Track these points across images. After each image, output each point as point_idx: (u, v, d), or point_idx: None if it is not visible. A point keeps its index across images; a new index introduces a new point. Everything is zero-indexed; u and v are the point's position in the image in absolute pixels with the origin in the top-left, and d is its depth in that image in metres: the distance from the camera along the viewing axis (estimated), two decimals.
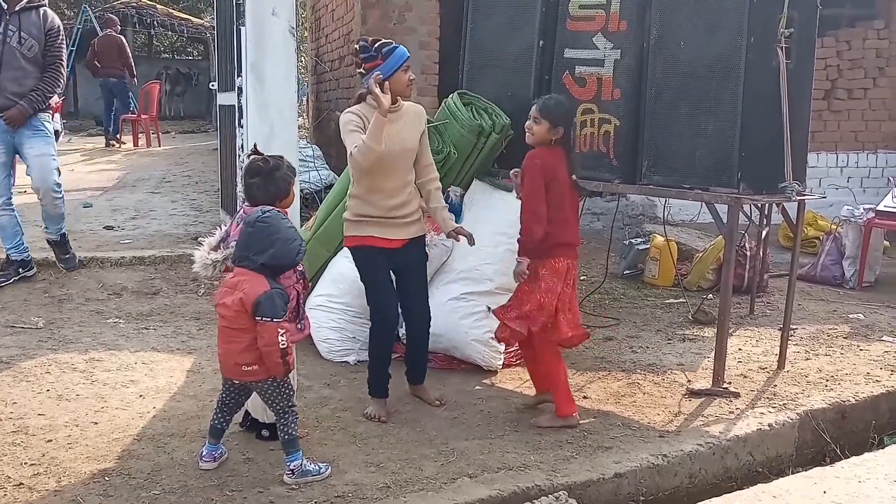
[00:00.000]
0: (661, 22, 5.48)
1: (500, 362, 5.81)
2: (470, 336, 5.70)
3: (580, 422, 4.90)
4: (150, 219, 9.79)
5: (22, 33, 6.77)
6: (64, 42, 7.11)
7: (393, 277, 5.04)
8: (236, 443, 4.44)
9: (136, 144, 17.14)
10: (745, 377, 5.78)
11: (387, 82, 4.68)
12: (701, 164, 5.35)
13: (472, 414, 5.04)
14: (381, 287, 4.95)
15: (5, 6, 6.77)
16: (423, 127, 5.03)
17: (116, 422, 4.74)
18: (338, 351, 5.82)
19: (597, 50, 5.76)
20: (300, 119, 13.12)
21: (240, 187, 5.00)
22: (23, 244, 7.10)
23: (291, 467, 4.06)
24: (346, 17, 10.71)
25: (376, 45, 4.74)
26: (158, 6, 22.91)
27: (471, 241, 5.08)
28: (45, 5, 7.01)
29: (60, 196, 7.10)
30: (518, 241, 4.93)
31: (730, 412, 5.15)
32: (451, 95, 6.26)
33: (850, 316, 7.44)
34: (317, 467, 4.12)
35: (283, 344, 3.95)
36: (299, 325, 4.23)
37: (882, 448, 5.19)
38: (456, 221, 5.97)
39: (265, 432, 4.52)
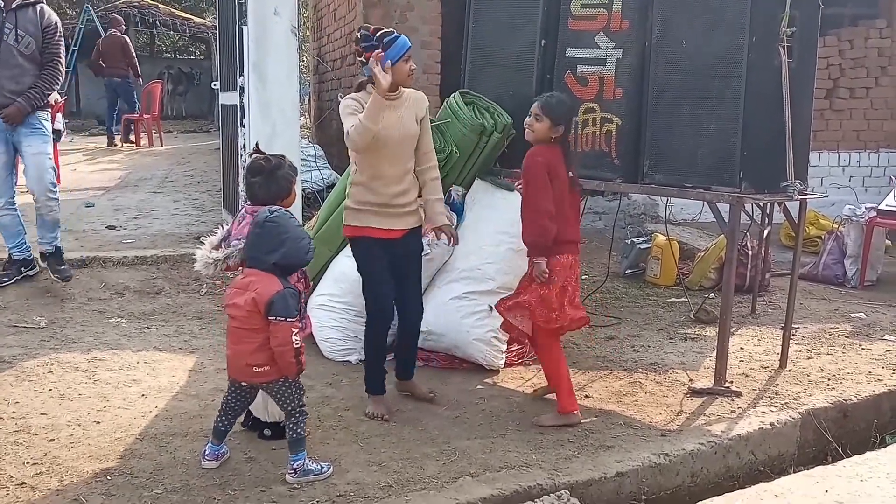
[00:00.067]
0: (662, 21, 5.48)
1: (502, 361, 5.81)
2: (472, 335, 5.70)
3: (582, 420, 4.91)
4: (152, 218, 9.79)
5: (19, 31, 6.71)
6: (62, 39, 7.05)
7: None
8: (238, 442, 4.45)
9: (138, 144, 17.14)
10: (746, 376, 5.78)
11: (388, 62, 4.67)
12: (703, 164, 5.35)
13: (473, 413, 5.04)
14: (378, 278, 4.95)
15: (2, 4, 6.72)
16: (423, 112, 5.03)
17: (119, 421, 4.74)
18: (339, 350, 5.83)
19: (599, 49, 5.76)
20: (302, 119, 13.13)
21: (242, 187, 5.00)
22: (25, 244, 7.09)
23: (294, 466, 4.06)
24: (347, 17, 10.72)
25: (377, 35, 4.74)
26: (160, 6, 22.92)
27: (451, 243, 5.12)
28: (43, 2, 6.96)
29: (56, 198, 7.02)
30: (526, 242, 4.93)
31: (731, 411, 5.15)
32: (452, 95, 6.25)
33: (852, 315, 7.44)
34: (319, 466, 4.12)
35: (297, 343, 3.96)
36: (300, 325, 4.23)
37: (884, 447, 5.20)
38: (458, 221, 6.00)
39: (267, 431, 4.52)
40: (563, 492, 4.08)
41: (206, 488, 3.98)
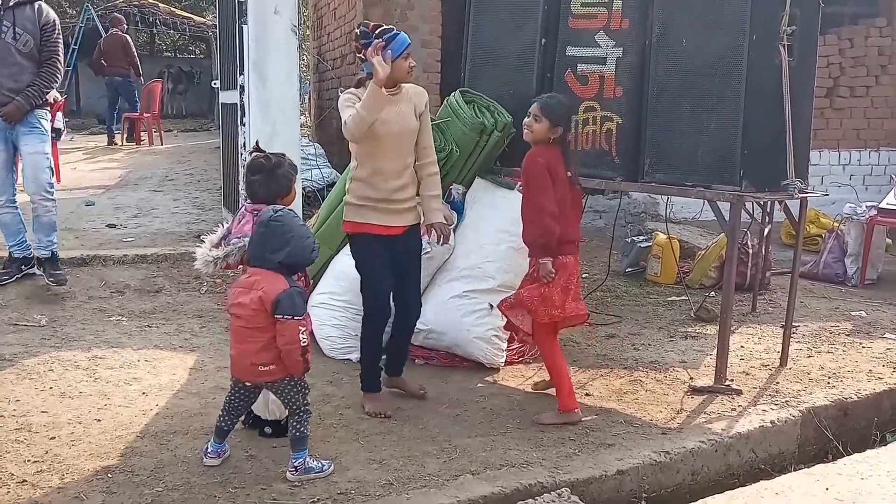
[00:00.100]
0: (663, 20, 5.48)
1: (503, 360, 5.81)
2: (472, 334, 5.70)
3: (582, 419, 4.91)
4: (152, 217, 9.79)
5: (17, 28, 6.67)
6: (60, 37, 7.01)
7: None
8: (239, 440, 4.45)
9: (138, 143, 17.15)
10: (747, 374, 5.78)
11: (389, 52, 4.66)
12: (703, 162, 5.35)
13: (474, 411, 5.04)
14: (377, 275, 4.95)
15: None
16: (423, 107, 5.03)
17: (119, 419, 4.74)
18: (340, 349, 5.83)
19: (599, 48, 5.76)
20: (302, 117, 13.13)
21: (242, 185, 5.00)
22: (25, 242, 7.08)
23: (295, 464, 4.06)
24: (347, 16, 10.71)
25: (377, 32, 4.74)
26: (161, 4, 22.89)
27: (440, 242, 5.13)
28: (41, 0, 6.92)
29: (52, 199, 6.96)
30: (528, 242, 4.94)
31: (732, 409, 5.15)
32: (453, 93, 6.25)
33: (853, 313, 7.44)
34: (319, 464, 4.12)
35: (304, 342, 3.96)
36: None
37: (884, 445, 5.21)
38: (459, 219, 6.01)
39: (268, 429, 4.52)
40: (563, 490, 4.07)
41: (207, 486, 3.98)
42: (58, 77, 6.97)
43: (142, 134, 17.20)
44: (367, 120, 4.60)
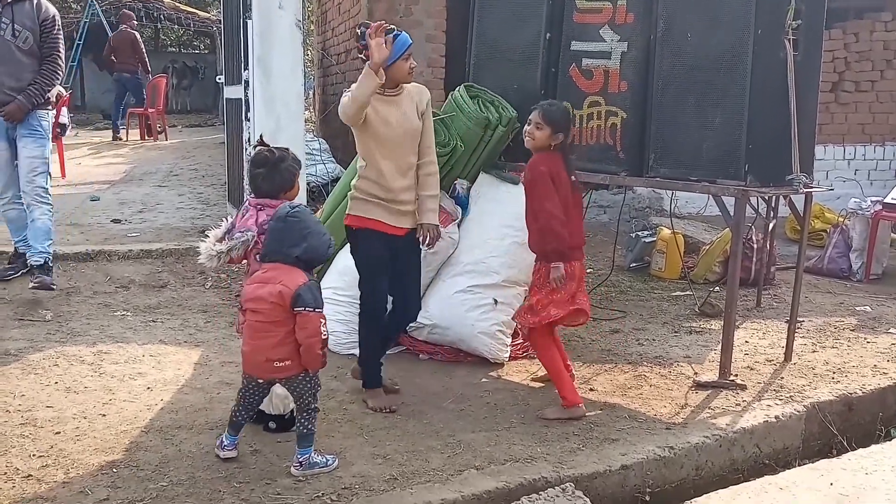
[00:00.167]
0: (667, 14, 5.46)
1: (507, 355, 5.82)
2: (476, 329, 5.71)
3: (586, 413, 4.91)
4: (157, 212, 9.81)
5: (15, 25, 6.59)
6: (61, 32, 6.90)
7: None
8: (243, 434, 4.42)
9: (142, 138, 17.18)
10: (751, 369, 5.78)
11: (389, 38, 4.63)
12: (708, 157, 5.33)
13: (478, 406, 5.05)
14: (378, 271, 4.96)
15: None
16: (424, 106, 5.02)
17: (124, 414, 4.75)
18: (344, 343, 5.82)
19: (604, 42, 5.75)
20: (306, 112, 13.13)
21: (247, 180, 5.01)
22: None
23: (300, 460, 4.07)
24: (352, 11, 10.70)
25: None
26: (165, 0, 22.89)
27: (427, 244, 5.10)
28: None
29: (47, 203, 6.82)
30: (538, 250, 4.96)
31: (736, 404, 5.15)
32: (457, 88, 6.25)
33: (857, 308, 7.44)
34: (324, 459, 4.13)
35: (325, 334, 3.98)
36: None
37: (889, 440, 5.23)
38: (463, 214, 6.01)
39: (272, 424, 4.53)
40: (567, 485, 4.08)
41: (212, 480, 3.99)
42: (59, 74, 6.90)
43: (149, 128, 17.21)
44: (358, 99, 4.59)
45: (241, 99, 7.46)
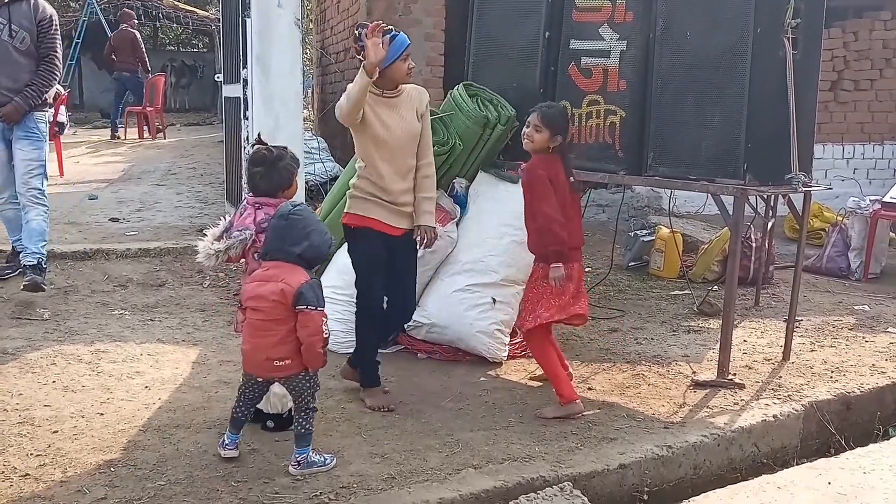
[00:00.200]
0: (667, 13, 5.45)
1: (505, 354, 5.82)
2: (475, 328, 5.71)
3: (584, 412, 4.91)
4: (155, 211, 9.82)
5: (12, 25, 6.53)
6: (58, 32, 6.85)
7: None
8: (241, 433, 4.45)
9: (140, 137, 17.19)
10: (750, 368, 5.78)
11: (386, 38, 4.62)
12: (707, 156, 5.33)
13: (476, 405, 5.05)
14: (375, 270, 4.96)
15: None
16: (423, 108, 5.02)
17: (122, 413, 4.75)
18: (343, 342, 5.81)
19: (603, 41, 5.74)
20: (305, 111, 13.14)
21: (245, 179, 5.01)
22: None
23: (298, 459, 4.06)
24: (351, 9, 10.70)
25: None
26: None
27: (424, 245, 5.10)
28: None
29: (42, 204, 6.77)
30: (539, 252, 4.97)
31: (735, 403, 5.15)
32: (456, 87, 6.24)
33: (856, 307, 7.44)
34: (322, 458, 4.12)
35: (327, 333, 3.97)
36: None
37: (887, 439, 5.23)
38: (462, 213, 6.02)
39: (270, 423, 4.53)
40: (566, 484, 4.08)
41: (210, 480, 3.99)
42: (56, 74, 6.85)
43: (144, 128, 17.22)
44: (353, 97, 4.58)
45: (239, 97, 7.48)
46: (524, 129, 5.00)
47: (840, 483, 4.36)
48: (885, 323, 6.99)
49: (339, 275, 5.91)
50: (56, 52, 6.78)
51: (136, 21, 18.13)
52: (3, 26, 6.53)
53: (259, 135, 4.46)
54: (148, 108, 17.17)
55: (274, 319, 3.95)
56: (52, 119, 7.18)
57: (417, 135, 4.96)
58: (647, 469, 4.43)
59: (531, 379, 5.51)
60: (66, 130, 10.12)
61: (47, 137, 6.92)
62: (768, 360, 5.97)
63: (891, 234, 9.08)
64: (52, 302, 6.67)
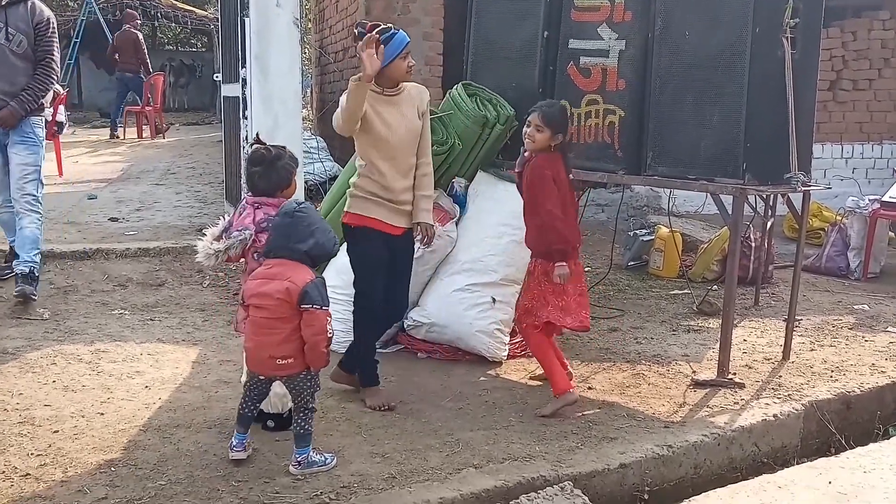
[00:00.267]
0: (665, 12, 5.46)
1: (505, 353, 5.83)
2: (475, 327, 5.71)
3: (584, 410, 4.93)
4: (154, 210, 9.82)
5: (9, 29, 6.46)
6: (55, 35, 6.77)
7: None
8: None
9: (139, 136, 17.20)
10: (750, 368, 5.78)
11: (382, 47, 4.61)
12: (706, 155, 5.33)
13: (476, 405, 5.05)
14: (375, 270, 4.96)
15: None
16: (424, 106, 5.03)
17: (122, 413, 4.75)
18: (342, 342, 5.81)
19: (601, 41, 5.75)
20: (304, 111, 13.14)
21: (244, 178, 5.01)
22: None
23: (298, 459, 4.06)
24: (349, 8, 10.70)
25: (375, 31, 4.67)
26: None
27: (423, 243, 5.13)
28: None
29: (37, 212, 6.68)
30: (543, 251, 4.97)
31: (735, 403, 5.16)
32: (455, 86, 6.25)
33: (855, 307, 7.45)
34: (322, 458, 4.12)
35: (331, 332, 3.97)
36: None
37: (887, 439, 5.23)
38: (461, 213, 6.02)
39: (270, 423, 4.52)
40: (566, 483, 4.08)
41: (210, 479, 3.99)
42: (53, 78, 6.77)
43: (143, 127, 17.24)
44: (350, 110, 4.59)
45: (238, 97, 7.47)
46: (525, 129, 5.01)
47: (840, 482, 4.36)
48: (884, 322, 6.99)
49: (338, 274, 5.91)
50: (53, 55, 6.71)
51: (140, 21, 18.15)
52: (0, 29, 6.46)
53: (258, 134, 4.46)
54: (147, 108, 17.18)
55: (278, 317, 3.94)
56: (50, 118, 7.15)
57: (418, 132, 4.97)
58: (648, 468, 4.43)
59: (531, 378, 5.51)
60: (65, 130, 10.12)
61: (43, 142, 6.84)
62: (768, 359, 5.98)
63: (890, 233, 9.10)
64: (51, 301, 6.68)
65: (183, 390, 5.12)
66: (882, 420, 5.49)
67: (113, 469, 4.07)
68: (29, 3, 6.60)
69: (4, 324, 6.16)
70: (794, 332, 6.07)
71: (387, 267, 4.99)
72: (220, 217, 4.41)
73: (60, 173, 11.82)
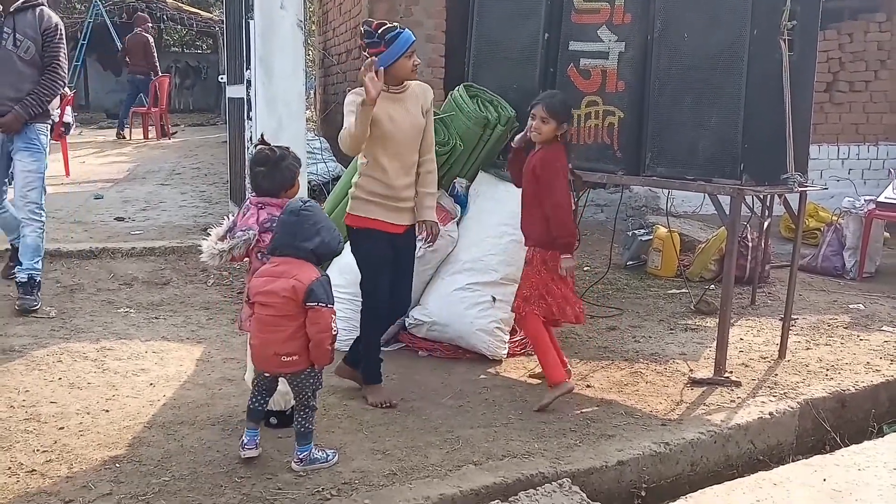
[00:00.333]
0: (664, 14, 5.50)
1: (505, 351, 5.87)
2: (475, 326, 5.76)
3: (574, 388, 5.04)
4: (160, 210, 9.87)
5: (17, 35, 6.39)
6: (63, 41, 6.66)
7: None
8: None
9: (145, 137, 17.25)
10: (746, 366, 5.82)
11: (381, 70, 4.65)
12: (704, 156, 5.37)
13: (476, 402, 5.09)
14: (380, 270, 5.00)
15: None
16: (428, 104, 5.06)
17: (127, 409, 4.79)
18: (345, 340, 5.83)
19: (601, 42, 5.78)
20: (308, 112, 13.18)
21: (248, 179, 5.05)
22: None
23: (301, 456, 4.10)
24: (353, 11, 10.75)
25: (380, 31, 4.74)
26: (168, 0, 22.93)
27: (427, 241, 5.19)
28: (43, 4, 6.61)
29: (39, 220, 6.58)
30: (559, 244, 5.02)
31: (731, 401, 5.20)
32: (457, 88, 6.29)
33: (851, 306, 7.48)
34: (324, 454, 4.16)
35: (336, 330, 4.01)
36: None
37: (881, 437, 5.24)
38: (462, 213, 6.06)
39: (273, 420, 4.55)
40: (564, 480, 4.11)
41: (214, 476, 4.03)
42: (60, 84, 6.66)
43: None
44: (357, 135, 4.65)
45: (243, 98, 7.49)
46: (530, 121, 5.04)
47: (835, 480, 4.38)
48: (879, 321, 7.03)
49: (341, 273, 5.95)
50: (60, 61, 6.61)
51: (150, 24, 18.21)
52: (7, 35, 6.39)
53: (262, 135, 4.48)
54: (153, 109, 17.23)
55: (284, 315, 3.96)
56: (58, 119, 7.14)
57: (422, 129, 5.00)
58: (645, 465, 4.46)
59: (530, 376, 5.56)
60: (72, 130, 10.15)
61: (48, 149, 6.74)
62: (764, 358, 6.02)
63: (885, 233, 9.10)
64: (58, 300, 6.73)
65: (187, 388, 5.16)
66: (877, 418, 5.53)
67: (117, 465, 4.11)
68: (37, 10, 6.53)
69: (11, 322, 6.21)
70: (790, 331, 6.11)
71: (392, 265, 5.04)
72: (225, 217, 4.43)
73: (67, 173, 11.87)
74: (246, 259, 4.26)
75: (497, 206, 5.97)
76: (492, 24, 6.37)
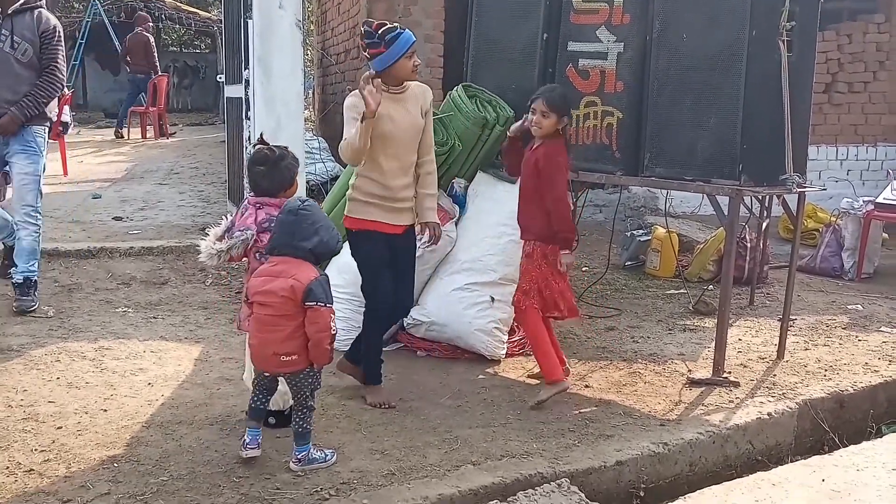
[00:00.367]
0: (663, 15, 5.49)
1: (503, 351, 5.87)
2: (474, 326, 5.76)
3: (570, 387, 5.07)
4: (158, 210, 9.86)
5: (15, 37, 6.32)
6: (61, 43, 6.56)
7: None
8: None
9: (143, 137, 17.24)
10: (744, 367, 5.82)
11: (378, 79, 4.67)
12: (703, 156, 5.37)
13: (475, 402, 5.09)
14: (380, 271, 5.00)
15: None
16: (428, 105, 5.06)
17: (125, 409, 4.79)
18: (344, 340, 5.83)
19: (600, 43, 5.78)
20: (306, 111, 13.18)
21: (247, 178, 5.05)
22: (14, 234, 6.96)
23: (299, 456, 4.10)
24: (351, 11, 10.76)
25: (380, 32, 4.73)
26: (166, 0, 22.94)
27: (431, 241, 5.19)
28: (42, 6, 6.53)
29: (36, 223, 6.51)
30: (561, 238, 5.04)
31: (730, 401, 5.20)
32: (455, 88, 6.29)
33: (849, 307, 7.48)
34: (322, 454, 4.16)
35: (335, 329, 4.00)
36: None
37: (880, 437, 5.24)
38: (461, 213, 6.06)
39: (271, 419, 4.54)
40: (563, 480, 4.11)
41: (212, 475, 4.03)
42: (57, 87, 6.57)
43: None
44: (361, 151, 4.66)
45: (241, 98, 7.50)
46: (530, 116, 5.05)
47: (834, 480, 4.38)
48: (877, 322, 7.03)
49: (340, 273, 5.95)
50: (58, 63, 6.53)
51: (151, 24, 18.23)
52: (5, 37, 6.34)
53: (261, 135, 4.49)
54: (151, 109, 17.24)
55: (283, 315, 3.96)
56: (56, 119, 7.11)
57: (421, 129, 5.00)
58: (644, 466, 4.47)
59: (529, 377, 5.56)
60: (69, 130, 10.14)
61: (45, 152, 6.67)
62: (763, 358, 6.02)
63: (883, 234, 9.11)
64: (56, 299, 6.73)
65: (185, 387, 5.16)
66: (875, 418, 5.53)
67: (116, 465, 4.11)
68: (35, 12, 6.47)
69: (9, 321, 6.21)
70: (788, 332, 6.11)
71: (391, 265, 5.04)
72: (223, 217, 4.43)
73: (65, 173, 11.87)
74: (244, 259, 4.26)
75: (496, 206, 5.97)
76: (490, 25, 6.37)
